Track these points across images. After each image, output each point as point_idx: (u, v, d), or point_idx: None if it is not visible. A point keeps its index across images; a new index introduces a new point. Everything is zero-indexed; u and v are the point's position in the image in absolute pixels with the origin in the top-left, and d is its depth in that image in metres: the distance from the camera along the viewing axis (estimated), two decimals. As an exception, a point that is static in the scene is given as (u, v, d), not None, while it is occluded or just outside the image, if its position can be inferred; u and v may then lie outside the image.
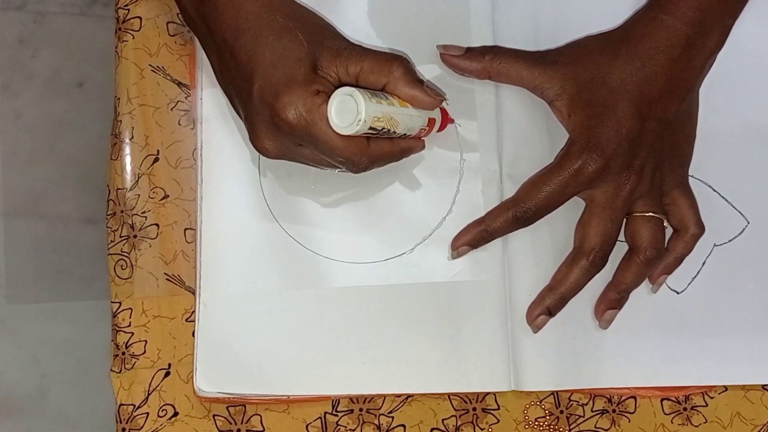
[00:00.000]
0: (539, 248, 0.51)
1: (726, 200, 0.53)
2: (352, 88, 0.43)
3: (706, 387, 0.51)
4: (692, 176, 0.51)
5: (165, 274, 0.52)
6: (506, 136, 0.52)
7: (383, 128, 0.45)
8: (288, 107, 0.43)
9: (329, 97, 0.44)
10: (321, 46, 0.45)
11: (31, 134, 1.11)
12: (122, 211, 0.53)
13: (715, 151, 0.53)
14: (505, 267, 0.51)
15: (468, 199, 0.51)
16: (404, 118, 0.46)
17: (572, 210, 0.49)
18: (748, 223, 0.52)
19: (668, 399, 0.51)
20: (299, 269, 0.50)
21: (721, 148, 0.53)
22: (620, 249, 0.49)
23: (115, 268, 0.52)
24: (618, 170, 0.47)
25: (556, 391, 0.51)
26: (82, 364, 1.10)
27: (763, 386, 0.51)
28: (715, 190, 0.53)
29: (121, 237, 0.53)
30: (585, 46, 0.50)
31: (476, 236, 0.49)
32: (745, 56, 0.54)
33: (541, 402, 0.51)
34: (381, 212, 0.51)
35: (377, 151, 0.46)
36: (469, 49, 0.51)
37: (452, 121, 0.51)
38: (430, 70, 0.52)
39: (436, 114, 0.49)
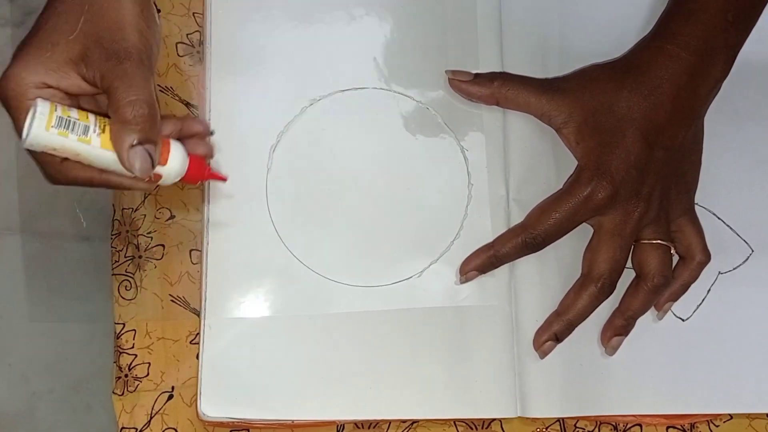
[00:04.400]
0: (546, 274, 0.51)
1: (731, 228, 0.53)
2: (45, 109, 0.40)
3: (711, 415, 0.51)
4: (697, 204, 0.51)
5: (170, 295, 0.51)
6: (513, 161, 0.52)
7: (66, 155, 0.41)
8: (8, 79, 0.40)
9: (52, 95, 0.41)
10: (95, 41, 0.40)
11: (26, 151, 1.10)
12: (127, 231, 0.52)
13: (720, 180, 0.53)
14: (512, 292, 0.51)
15: (476, 223, 0.51)
16: (102, 160, 0.41)
17: (579, 236, 0.50)
18: (753, 251, 0.53)
19: (674, 427, 0.51)
20: (306, 292, 0.50)
21: (725, 176, 0.53)
22: (626, 275, 0.49)
23: (119, 289, 0.52)
24: (627, 197, 0.47)
25: (562, 418, 0.51)
26: (73, 384, 1.08)
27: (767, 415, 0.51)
28: (719, 218, 0.53)
29: (126, 257, 0.52)
30: (592, 74, 0.51)
31: (485, 261, 0.49)
32: (751, 85, 0.54)
33: (546, 429, 0.51)
34: (389, 236, 0.51)
35: (71, 171, 0.42)
36: (477, 75, 0.51)
37: (222, 178, 0.47)
38: (438, 94, 0.52)
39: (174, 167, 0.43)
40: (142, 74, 0.41)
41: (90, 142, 0.41)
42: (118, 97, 0.40)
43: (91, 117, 0.41)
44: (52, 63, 0.40)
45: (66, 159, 0.42)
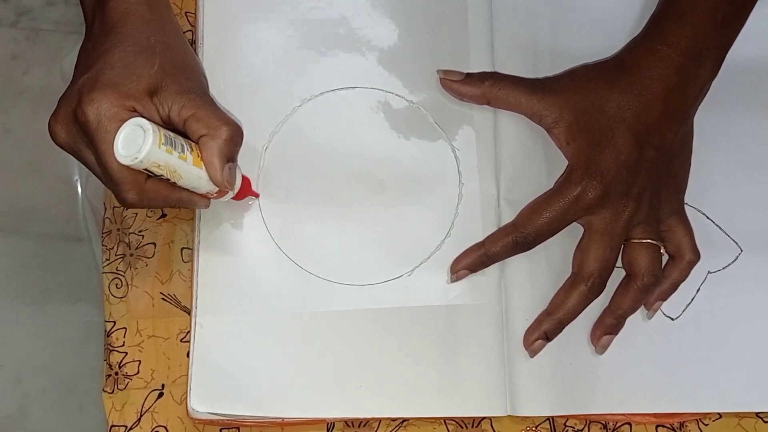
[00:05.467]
0: (536, 273, 0.51)
1: (720, 228, 0.53)
2: (151, 126, 0.42)
3: (700, 414, 0.51)
4: (687, 204, 0.51)
5: (161, 293, 0.51)
6: (504, 160, 0.52)
7: (161, 175, 0.44)
8: (92, 103, 0.42)
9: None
10: (170, 78, 0.45)
11: (20, 151, 1.10)
12: (119, 230, 0.52)
13: (709, 179, 0.53)
14: (502, 291, 0.51)
15: (466, 222, 0.51)
16: (191, 177, 0.44)
17: (569, 235, 0.50)
18: (742, 251, 0.53)
19: (663, 426, 0.51)
20: (297, 291, 0.50)
21: (715, 176, 0.53)
22: (616, 275, 0.50)
23: (109, 287, 0.52)
24: (617, 197, 0.48)
25: (552, 417, 0.51)
26: (66, 385, 1.08)
27: (756, 414, 0.51)
28: (709, 218, 0.53)
29: (116, 255, 0.52)
30: (582, 74, 0.51)
31: (476, 260, 0.49)
32: (740, 85, 0.54)
33: (536, 427, 0.51)
34: (379, 235, 0.51)
35: (152, 191, 0.45)
36: (468, 75, 0.52)
37: (256, 195, 0.51)
38: (430, 95, 0.53)
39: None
40: (216, 105, 0.46)
41: (186, 159, 0.44)
42: (209, 121, 0.44)
43: (179, 137, 0.44)
44: (137, 92, 0.43)
45: (149, 179, 0.44)
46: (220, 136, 0.44)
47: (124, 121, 0.42)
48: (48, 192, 1.09)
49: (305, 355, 0.50)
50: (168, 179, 0.44)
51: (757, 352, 0.51)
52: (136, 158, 0.42)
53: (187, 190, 0.46)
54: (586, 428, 0.51)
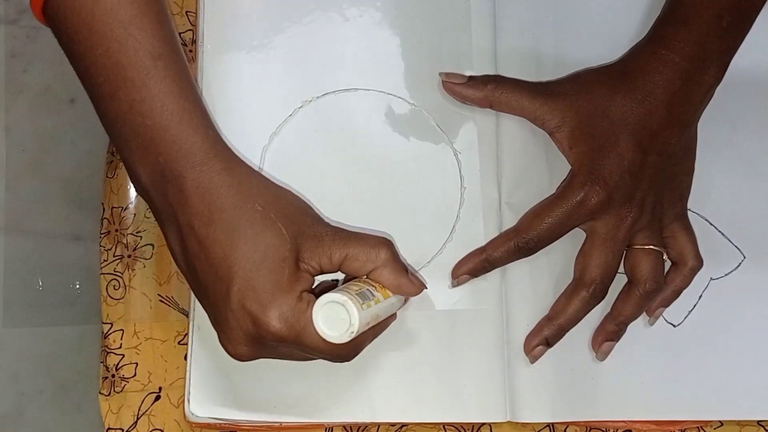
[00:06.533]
0: (537, 278, 0.50)
1: (723, 234, 0.53)
2: (344, 296, 0.41)
3: (701, 422, 0.51)
4: (690, 210, 0.51)
5: (159, 295, 0.51)
6: (506, 164, 0.52)
7: (371, 326, 0.43)
8: (276, 319, 0.40)
9: (312, 296, 0.42)
10: (303, 236, 0.42)
11: (20, 149, 1.10)
12: (117, 230, 0.52)
13: (712, 186, 0.53)
14: (503, 296, 0.50)
15: (468, 226, 0.51)
16: (387, 309, 0.45)
17: (571, 241, 0.49)
18: (744, 257, 0.53)
19: (664, 433, 0.51)
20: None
21: (718, 182, 0.53)
22: (618, 281, 0.49)
23: (107, 288, 0.51)
24: (620, 203, 0.47)
25: (552, 423, 0.50)
26: (62, 385, 1.08)
27: (758, 422, 0.51)
28: (712, 224, 0.53)
29: (114, 256, 0.52)
30: (586, 78, 0.51)
31: (477, 265, 0.49)
32: (744, 91, 0.54)
33: (536, 434, 0.50)
34: (380, 238, 0.51)
35: (363, 338, 0.44)
36: (471, 78, 0.51)
37: (425, 287, 0.48)
38: (432, 97, 0.52)
39: None
40: (349, 231, 0.44)
41: (379, 301, 0.43)
42: (366, 255, 0.43)
43: (355, 284, 0.43)
44: (293, 276, 0.41)
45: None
46: (385, 260, 0.43)
47: (305, 310, 0.41)
48: (46, 191, 1.09)
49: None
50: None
51: (760, 360, 0.51)
52: (353, 332, 0.41)
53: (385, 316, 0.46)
54: (587, 435, 0.51)
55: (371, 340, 0.46)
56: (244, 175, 0.43)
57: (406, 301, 0.47)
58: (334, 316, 0.41)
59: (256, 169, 0.51)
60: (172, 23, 0.44)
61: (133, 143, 0.42)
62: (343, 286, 0.43)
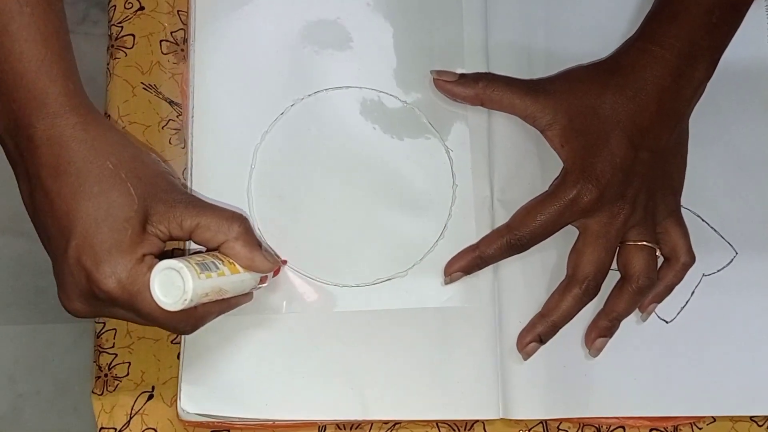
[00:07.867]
0: (530, 275, 0.50)
1: (715, 230, 0.53)
2: (180, 263, 0.40)
3: (694, 417, 0.51)
4: (682, 206, 0.51)
5: (151, 294, 0.51)
6: (498, 162, 0.52)
7: (210, 300, 0.43)
8: (109, 277, 0.40)
9: (157, 261, 0.41)
10: (154, 199, 0.42)
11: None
12: (109, 230, 0.52)
13: (704, 182, 0.53)
14: (495, 294, 0.50)
15: (460, 224, 0.51)
16: (235, 285, 0.44)
17: (564, 238, 0.49)
18: (737, 253, 0.53)
19: (657, 429, 0.51)
20: (288, 292, 0.50)
21: (710, 178, 0.53)
22: (611, 277, 0.49)
23: (100, 288, 0.51)
24: (612, 200, 0.47)
25: (545, 420, 0.50)
26: (59, 385, 1.08)
27: (750, 417, 0.51)
28: (704, 221, 0.53)
29: (107, 256, 0.52)
30: (577, 75, 0.51)
31: (470, 262, 0.49)
32: (735, 87, 0.54)
33: (529, 430, 0.50)
34: (372, 236, 0.51)
35: (204, 313, 0.44)
36: (462, 76, 0.51)
37: (285, 262, 0.49)
38: (424, 95, 0.52)
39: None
40: (206, 203, 0.44)
41: (224, 274, 0.42)
42: (218, 226, 0.43)
43: (201, 255, 0.43)
44: (136, 238, 0.41)
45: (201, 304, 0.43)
46: (238, 233, 0.43)
47: (145, 273, 0.41)
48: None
49: (297, 357, 0.49)
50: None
51: (752, 356, 0.51)
52: (185, 300, 0.40)
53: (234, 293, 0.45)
54: (580, 431, 0.51)
55: (216, 316, 0.45)
56: (101, 131, 0.42)
57: (263, 280, 0.47)
58: (170, 284, 0.40)
59: (249, 167, 0.51)
60: None
61: None
62: (189, 255, 0.42)
